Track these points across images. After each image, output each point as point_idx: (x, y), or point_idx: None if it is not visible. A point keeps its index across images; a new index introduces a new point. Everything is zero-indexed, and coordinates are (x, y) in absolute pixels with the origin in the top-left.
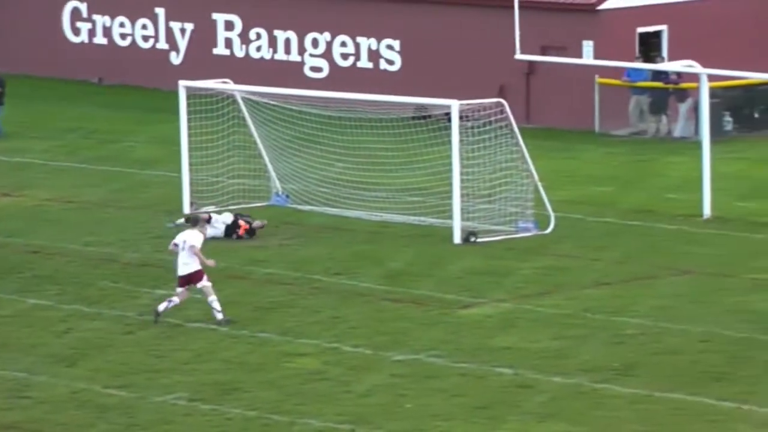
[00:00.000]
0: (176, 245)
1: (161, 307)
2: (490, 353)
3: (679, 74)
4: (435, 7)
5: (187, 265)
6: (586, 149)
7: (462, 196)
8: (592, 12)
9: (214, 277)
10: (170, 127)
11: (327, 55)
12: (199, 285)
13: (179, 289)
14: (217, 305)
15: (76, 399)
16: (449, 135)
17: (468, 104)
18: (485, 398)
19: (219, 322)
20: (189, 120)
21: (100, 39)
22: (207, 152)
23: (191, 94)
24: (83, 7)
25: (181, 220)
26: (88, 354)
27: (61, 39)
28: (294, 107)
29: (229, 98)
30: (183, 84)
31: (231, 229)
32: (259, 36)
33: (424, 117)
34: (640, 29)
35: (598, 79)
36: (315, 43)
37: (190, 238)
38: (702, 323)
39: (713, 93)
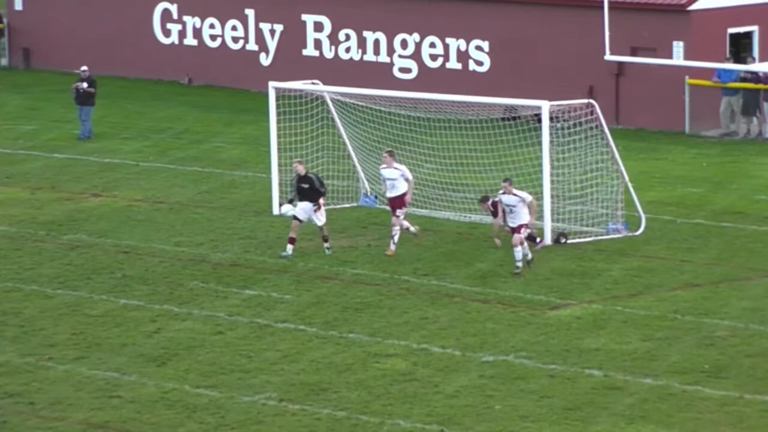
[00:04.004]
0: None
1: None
2: (580, 355)
3: None
4: (524, 8)
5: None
6: (676, 150)
7: (552, 197)
8: (682, 12)
9: (304, 278)
10: (259, 128)
11: (416, 56)
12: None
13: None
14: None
15: (166, 399)
16: (539, 136)
17: (558, 105)
18: (574, 400)
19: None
20: (278, 121)
21: (190, 40)
22: (296, 153)
23: (280, 95)
24: (174, 9)
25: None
26: (178, 354)
27: (151, 40)
28: (383, 108)
29: (318, 99)
30: (272, 85)
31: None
32: (348, 37)
33: (514, 118)
34: (731, 30)
35: (688, 80)
36: (404, 44)
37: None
38: None
39: None
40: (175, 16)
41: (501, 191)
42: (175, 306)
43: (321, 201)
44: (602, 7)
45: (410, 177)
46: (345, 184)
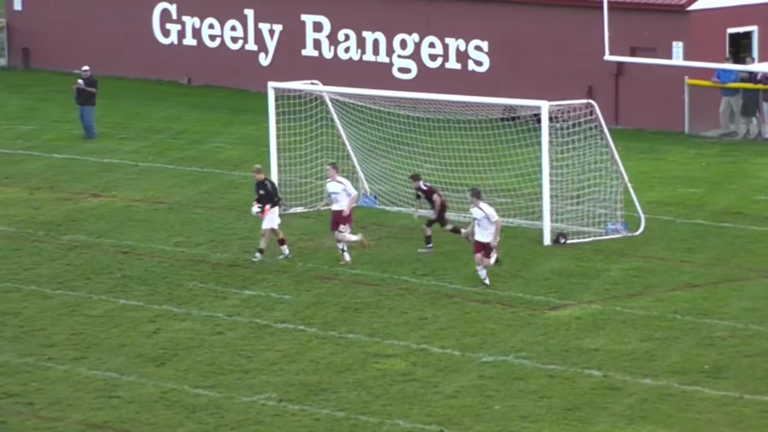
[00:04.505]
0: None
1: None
2: (579, 355)
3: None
4: (523, 8)
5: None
6: (676, 150)
7: (551, 197)
8: (681, 12)
9: (303, 279)
10: (258, 128)
11: (415, 56)
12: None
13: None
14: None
15: (165, 399)
16: (538, 136)
17: (558, 105)
18: (574, 400)
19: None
20: (277, 121)
21: (189, 40)
22: (295, 153)
23: (279, 95)
24: (173, 9)
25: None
26: (177, 354)
27: (150, 40)
28: (382, 108)
29: (317, 99)
30: (272, 85)
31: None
32: (347, 37)
33: (513, 118)
34: (730, 30)
35: (687, 80)
36: (403, 44)
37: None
38: None
39: None
40: (174, 16)
41: (471, 204)
42: (174, 306)
43: (267, 207)
44: (602, 7)
45: (353, 192)
46: None
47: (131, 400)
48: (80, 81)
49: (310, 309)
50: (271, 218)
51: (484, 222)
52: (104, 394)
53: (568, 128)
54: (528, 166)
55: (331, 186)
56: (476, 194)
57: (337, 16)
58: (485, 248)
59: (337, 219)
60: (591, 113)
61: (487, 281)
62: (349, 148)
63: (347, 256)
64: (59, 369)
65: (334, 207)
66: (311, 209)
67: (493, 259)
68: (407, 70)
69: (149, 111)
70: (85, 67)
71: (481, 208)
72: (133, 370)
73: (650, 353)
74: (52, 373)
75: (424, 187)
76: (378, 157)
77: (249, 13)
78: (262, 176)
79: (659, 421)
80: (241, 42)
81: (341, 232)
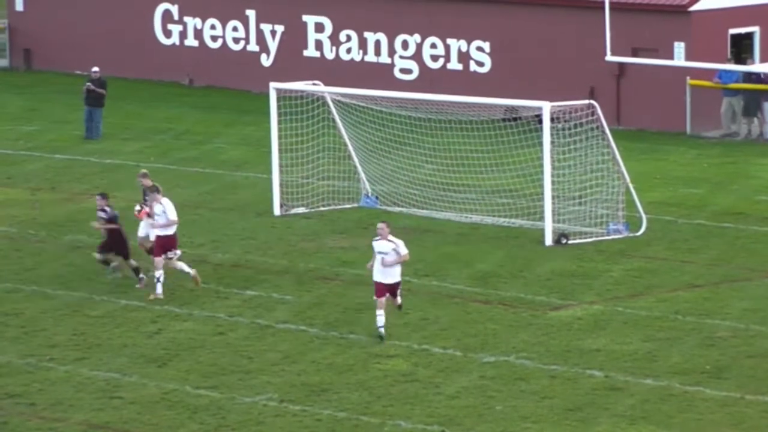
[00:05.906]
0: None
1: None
2: (580, 355)
3: None
4: (525, 9)
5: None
6: (677, 151)
7: (552, 197)
8: (683, 13)
9: (305, 279)
10: (260, 129)
11: (417, 56)
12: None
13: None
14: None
15: (166, 399)
16: (539, 137)
17: (559, 106)
18: (575, 401)
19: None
20: (279, 122)
21: (191, 41)
22: (297, 154)
23: (281, 95)
24: (174, 10)
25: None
26: (178, 355)
27: (152, 41)
28: (384, 109)
29: (318, 100)
30: (274, 86)
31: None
32: (349, 38)
33: (514, 119)
34: (732, 30)
35: (689, 81)
36: (405, 44)
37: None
38: None
39: None
40: (176, 17)
41: (376, 237)
42: (175, 307)
43: (144, 210)
44: (603, 8)
45: (172, 217)
46: (346, 185)
47: (133, 400)
48: (88, 83)
49: (312, 309)
50: (146, 226)
51: (392, 255)
52: (106, 395)
53: (569, 129)
54: (529, 167)
55: (156, 207)
56: (387, 224)
57: (338, 16)
58: (392, 289)
59: (163, 244)
60: (592, 114)
61: (383, 331)
62: (350, 148)
63: (159, 288)
64: (61, 369)
65: (159, 232)
66: (313, 209)
67: (399, 299)
68: (409, 71)
69: (151, 112)
70: (95, 68)
71: (391, 240)
72: (135, 370)
73: (652, 354)
74: (53, 374)
75: (105, 210)
76: (379, 158)
77: (251, 13)
78: (149, 182)
79: (661, 422)
80: (242, 43)
81: (170, 258)
